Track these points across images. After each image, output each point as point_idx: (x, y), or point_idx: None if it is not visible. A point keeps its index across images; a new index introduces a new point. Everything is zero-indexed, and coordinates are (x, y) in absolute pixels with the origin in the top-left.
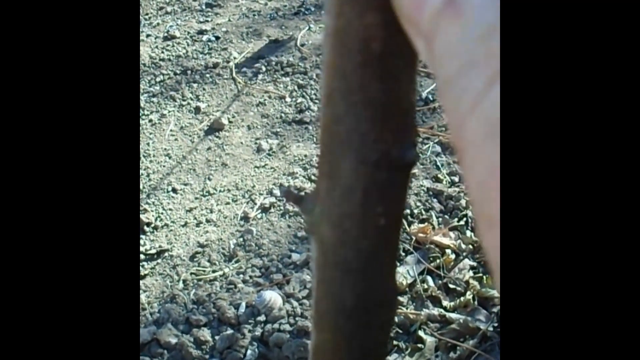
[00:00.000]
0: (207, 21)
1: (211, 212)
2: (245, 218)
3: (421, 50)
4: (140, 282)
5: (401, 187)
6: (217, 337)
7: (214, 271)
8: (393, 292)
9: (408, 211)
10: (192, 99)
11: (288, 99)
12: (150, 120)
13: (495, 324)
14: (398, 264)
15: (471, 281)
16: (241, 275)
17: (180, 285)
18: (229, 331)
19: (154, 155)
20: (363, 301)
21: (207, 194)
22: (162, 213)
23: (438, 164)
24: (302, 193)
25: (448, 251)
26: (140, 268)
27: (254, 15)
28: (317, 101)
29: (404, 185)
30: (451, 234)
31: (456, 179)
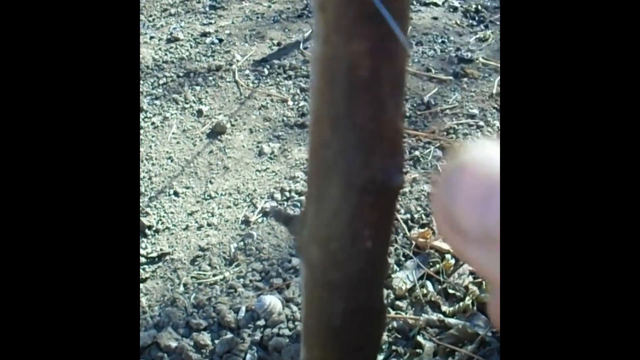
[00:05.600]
0: (211, 24)
1: (212, 215)
2: (246, 222)
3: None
4: (141, 285)
5: (388, 211)
6: (216, 341)
7: (214, 275)
8: (380, 311)
9: (408, 216)
10: (194, 102)
11: (290, 103)
12: (153, 123)
13: (494, 330)
14: (398, 268)
15: (470, 286)
16: (241, 279)
17: (181, 288)
18: (229, 335)
19: (156, 159)
20: (350, 321)
21: (208, 197)
22: (163, 216)
23: (439, 168)
24: (292, 213)
25: (448, 256)
26: (141, 271)
27: (257, 18)
28: None
29: (391, 209)
30: None
31: None
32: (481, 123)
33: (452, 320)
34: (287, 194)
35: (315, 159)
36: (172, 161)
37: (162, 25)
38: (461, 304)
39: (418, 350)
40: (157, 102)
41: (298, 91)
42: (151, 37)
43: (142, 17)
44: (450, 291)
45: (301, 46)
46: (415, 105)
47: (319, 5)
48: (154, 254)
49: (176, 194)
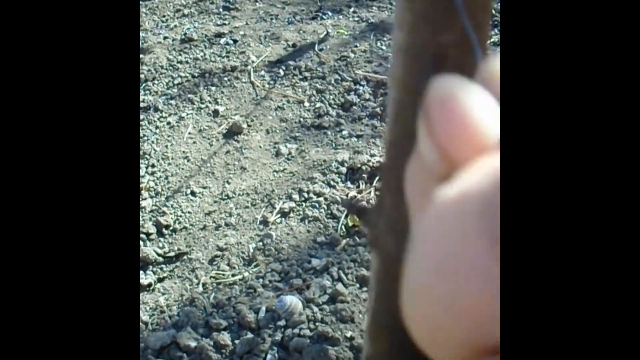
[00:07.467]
0: (225, 24)
1: (230, 215)
2: (265, 222)
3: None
4: (159, 284)
5: None
6: (237, 341)
7: (233, 275)
8: None
9: None
10: (210, 102)
11: (307, 104)
12: (169, 123)
13: None
14: None
15: None
16: (260, 280)
17: (200, 288)
18: (249, 335)
19: (172, 158)
20: None
21: (225, 197)
22: (180, 216)
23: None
24: (365, 204)
25: None
26: (159, 270)
27: (271, 19)
28: (335, 106)
29: None
30: None
31: None
32: None
33: None
34: (305, 194)
35: (395, 150)
36: (188, 161)
37: (175, 26)
38: None
39: None
40: (173, 101)
41: (314, 92)
42: (165, 37)
43: (155, 17)
44: None
45: (316, 47)
46: None
47: None
48: (172, 254)
49: (193, 193)
